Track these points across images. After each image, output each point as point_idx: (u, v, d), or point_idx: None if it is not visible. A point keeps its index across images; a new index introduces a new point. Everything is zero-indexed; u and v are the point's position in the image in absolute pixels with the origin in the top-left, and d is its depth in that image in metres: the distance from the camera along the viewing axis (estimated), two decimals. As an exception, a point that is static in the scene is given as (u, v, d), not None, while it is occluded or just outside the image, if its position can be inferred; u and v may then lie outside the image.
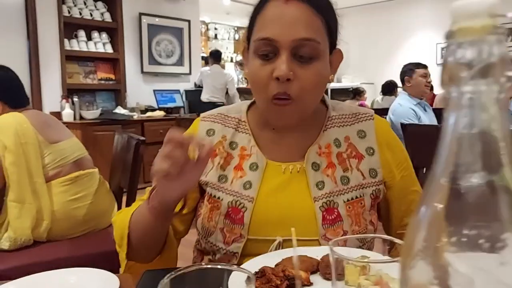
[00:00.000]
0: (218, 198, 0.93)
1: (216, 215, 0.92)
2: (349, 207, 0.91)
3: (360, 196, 0.92)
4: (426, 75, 3.36)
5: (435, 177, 0.31)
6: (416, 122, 3.19)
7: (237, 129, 0.99)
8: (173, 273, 0.45)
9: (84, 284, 0.79)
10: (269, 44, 0.86)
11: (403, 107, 3.28)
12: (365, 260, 0.54)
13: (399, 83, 3.63)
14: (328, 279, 0.72)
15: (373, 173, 0.94)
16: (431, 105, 4.37)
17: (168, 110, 5.61)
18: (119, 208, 2.10)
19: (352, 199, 0.91)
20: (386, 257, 0.55)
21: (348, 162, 0.94)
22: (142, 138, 1.96)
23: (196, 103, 5.69)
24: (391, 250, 0.56)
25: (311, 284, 0.71)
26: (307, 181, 0.92)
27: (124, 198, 1.98)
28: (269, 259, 0.77)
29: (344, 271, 0.50)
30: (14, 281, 0.80)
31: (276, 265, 0.74)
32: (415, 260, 0.31)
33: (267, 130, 0.98)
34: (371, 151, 0.95)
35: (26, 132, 1.75)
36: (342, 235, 0.88)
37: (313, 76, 0.87)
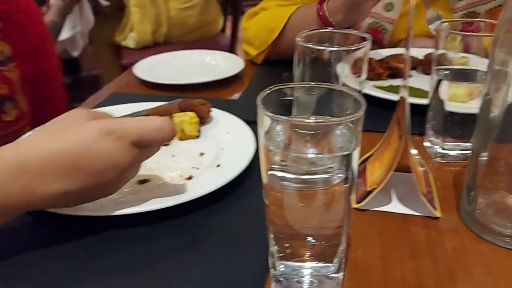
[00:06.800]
0: None
1: None
2: (490, 17, 0.93)
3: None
4: None
5: None
6: None
7: None
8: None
9: (216, 63, 0.94)
10: None
11: None
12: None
13: None
14: (426, 73, 0.80)
15: None
16: None
17: None
18: (225, 19, 2.23)
19: (494, 7, 0.92)
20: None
21: None
22: None
23: None
24: None
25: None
26: None
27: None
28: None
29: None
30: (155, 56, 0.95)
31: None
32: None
33: None
34: None
35: None
36: None
37: None
